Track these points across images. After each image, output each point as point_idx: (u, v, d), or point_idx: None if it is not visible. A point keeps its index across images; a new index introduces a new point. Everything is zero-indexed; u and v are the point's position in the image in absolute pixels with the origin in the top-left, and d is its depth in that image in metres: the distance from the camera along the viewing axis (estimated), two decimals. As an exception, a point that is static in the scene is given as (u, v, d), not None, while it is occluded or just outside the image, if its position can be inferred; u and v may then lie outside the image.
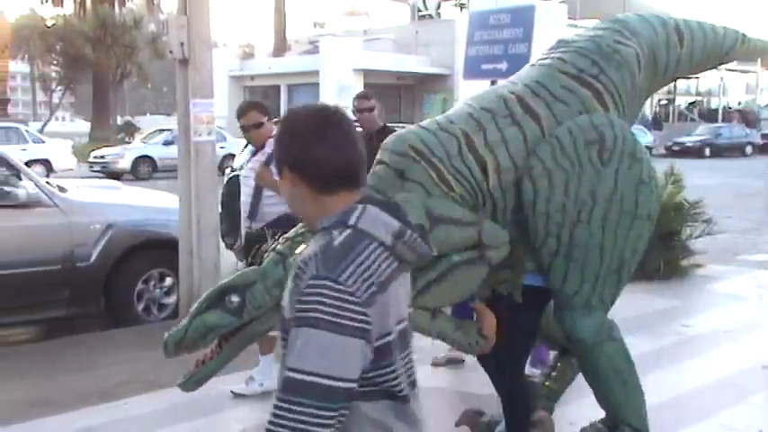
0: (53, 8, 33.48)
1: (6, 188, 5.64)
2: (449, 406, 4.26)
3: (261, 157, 4.37)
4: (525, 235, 3.07)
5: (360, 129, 5.47)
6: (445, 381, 4.63)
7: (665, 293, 6.99)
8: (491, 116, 3.06)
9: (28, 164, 12.44)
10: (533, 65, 3.32)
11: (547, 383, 3.69)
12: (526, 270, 3.15)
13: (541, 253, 3.04)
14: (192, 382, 2.87)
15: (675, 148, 31.54)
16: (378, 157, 3.10)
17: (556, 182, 2.97)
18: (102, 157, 22.68)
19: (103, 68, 33.20)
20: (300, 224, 3.04)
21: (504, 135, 3.02)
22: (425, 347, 3.16)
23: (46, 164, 18.96)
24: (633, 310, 6.07)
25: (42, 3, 32.35)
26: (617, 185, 3.00)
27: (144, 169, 22.12)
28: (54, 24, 35.47)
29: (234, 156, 13.39)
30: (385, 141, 3.13)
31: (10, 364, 4.96)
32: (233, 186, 4.83)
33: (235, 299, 2.75)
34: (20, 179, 5.60)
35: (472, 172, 2.99)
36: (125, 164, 22.06)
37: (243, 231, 4.56)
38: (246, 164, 4.59)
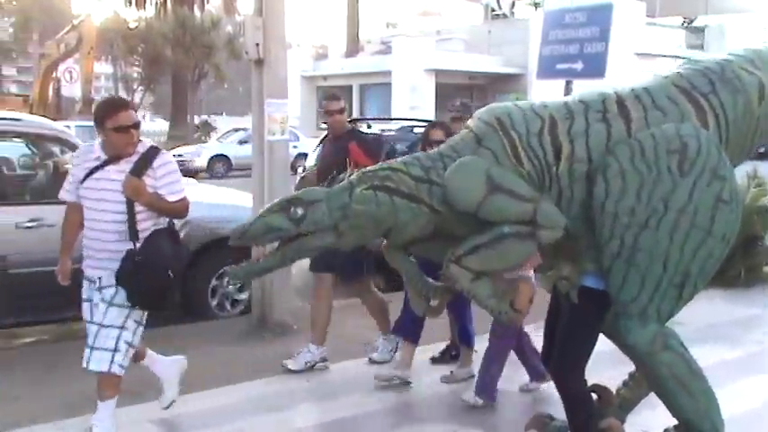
0: (136, 11, 34.63)
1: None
2: (517, 409, 4.21)
3: (125, 165, 3.52)
4: (591, 232, 3.05)
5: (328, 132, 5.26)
6: (515, 382, 4.58)
7: (745, 301, 6.73)
8: (584, 108, 3.13)
9: (110, 161, 12.84)
10: (654, 75, 3.34)
11: (621, 392, 3.61)
12: (586, 270, 3.13)
13: (604, 253, 3.02)
14: (242, 273, 3.23)
15: (761, 149, 30.38)
16: (468, 122, 3.29)
17: (629, 184, 2.95)
18: (180, 155, 23.24)
19: (182, 69, 34.13)
20: (382, 162, 3.29)
21: (588, 127, 3.07)
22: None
23: (127, 162, 19.57)
24: (712, 317, 5.88)
25: (126, 6, 33.48)
26: (692, 198, 2.93)
27: (219, 168, 22.66)
28: (136, 27, 36.65)
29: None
30: (479, 110, 3.30)
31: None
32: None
33: (299, 210, 3.03)
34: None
35: (545, 153, 3.06)
36: (201, 162, 22.63)
37: (112, 260, 3.52)
38: (93, 173, 3.56)
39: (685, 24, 34.70)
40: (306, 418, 4.26)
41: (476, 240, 3.00)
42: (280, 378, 4.76)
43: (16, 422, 4.02)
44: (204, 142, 28.06)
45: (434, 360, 5.01)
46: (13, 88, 57.59)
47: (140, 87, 42.08)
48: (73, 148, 5.89)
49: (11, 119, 5.92)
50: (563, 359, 3.25)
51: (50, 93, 25.53)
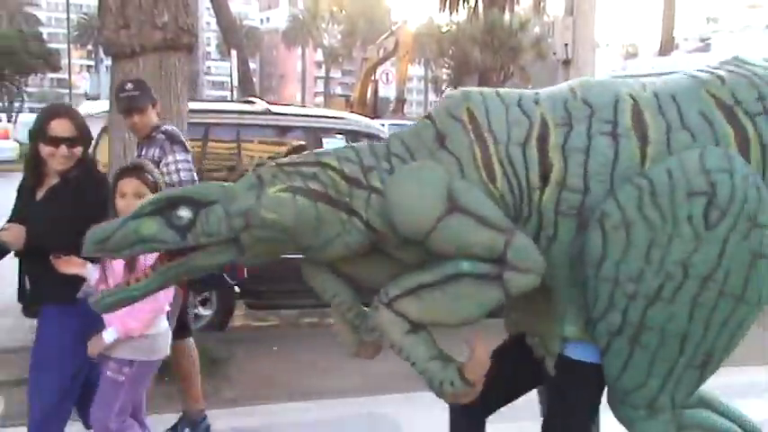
0: (449, 16, 36.30)
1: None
2: None
3: None
4: (575, 287, 2.31)
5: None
6: None
7: None
8: (588, 113, 2.31)
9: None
10: (685, 74, 2.53)
11: None
12: (564, 335, 2.39)
13: (598, 328, 2.28)
14: (107, 303, 2.33)
15: None
16: (430, 109, 2.51)
17: (636, 240, 2.19)
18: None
19: (488, 70, 34.97)
20: (303, 153, 2.48)
21: (591, 144, 2.27)
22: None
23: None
24: None
25: (440, 11, 35.23)
26: (722, 259, 2.17)
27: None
28: (448, 30, 38.38)
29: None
30: (448, 94, 2.48)
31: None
32: None
33: (184, 214, 2.21)
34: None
35: (528, 172, 2.27)
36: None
37: None
38: None
39: None
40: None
41: (419, 277, 2.21)
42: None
43: (323, 392, 4.45)
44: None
45: None
46: (338, 89, 63.85)
47: (449, 88, 43.95)
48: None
49: (336, 117, 6.58)
50: None
51: (369, 93, 27.74)
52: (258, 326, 6.24)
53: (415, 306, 2.20)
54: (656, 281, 2.18)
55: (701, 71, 2.49)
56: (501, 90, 2.43)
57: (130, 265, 2.54)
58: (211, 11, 22.61)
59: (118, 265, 2.70)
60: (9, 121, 35.48)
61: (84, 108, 5.92)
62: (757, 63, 2.48)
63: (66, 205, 2.91)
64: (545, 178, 2.26)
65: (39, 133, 2.95)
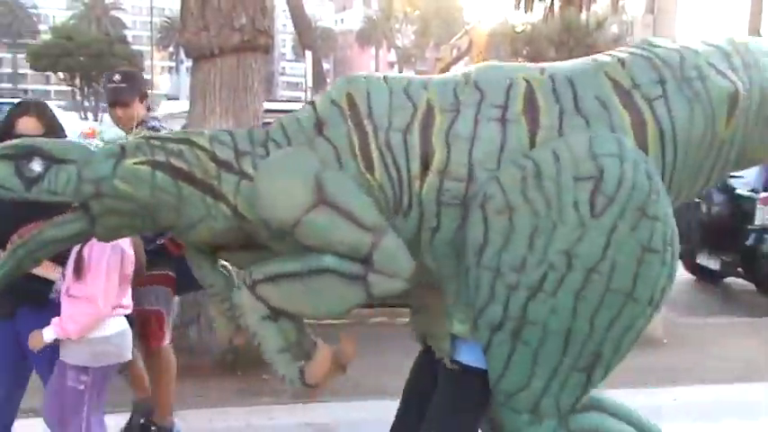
0: (524, 15, 35.94)
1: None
2: None
3: None
4: (463, 282, 2.16)
5: None
6: None
7: None
8: (478, 99, 2.16)
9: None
10: (589, 58, 2.37)
11: None
12: (454, 331, 2.23)
13: (479, 322, 2.12)
14: None
15: None
16: (316, 96, 2.40)
17: (519, 225, 2.04)
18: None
19: (564, 70, 34.54)
20: (181, 130, 2.36)
21: (476, 130, 2.12)
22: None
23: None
24: None
25: (515, 9, 34.92)
26: (608, 250, 2.02)
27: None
28: (522, 30, 38.02)
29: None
30: (337, 80, 2.38)
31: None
32: None
33: (36, 167, 2.16)
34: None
35: (408, 160, 2.13)
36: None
37: None
38: None
39: None
40: None
41: (283, 265, 2.14)
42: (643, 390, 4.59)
43: (383, 391, 4.45)
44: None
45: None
46: (411, 90, 64.17)
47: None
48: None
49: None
50: None
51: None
52: (329, 323, 6.31)
53: (275, 293, 2.14)
54: (539, 271, 2.04)
55: (607, 54, 2.35)
56: (390, 75, 2.32)
57: (77, 268, 2.56)
58: (287, 13, 23.02)
59: (70, 268, 2.68)
60: (95, 121, 36.97)
61: (165, 108, 6.11)
62: (662, 44, 2.32)
63: (36, 203, 2.62)
64: (426, 167, 2.13)
65: (6, 131, 2.85)
